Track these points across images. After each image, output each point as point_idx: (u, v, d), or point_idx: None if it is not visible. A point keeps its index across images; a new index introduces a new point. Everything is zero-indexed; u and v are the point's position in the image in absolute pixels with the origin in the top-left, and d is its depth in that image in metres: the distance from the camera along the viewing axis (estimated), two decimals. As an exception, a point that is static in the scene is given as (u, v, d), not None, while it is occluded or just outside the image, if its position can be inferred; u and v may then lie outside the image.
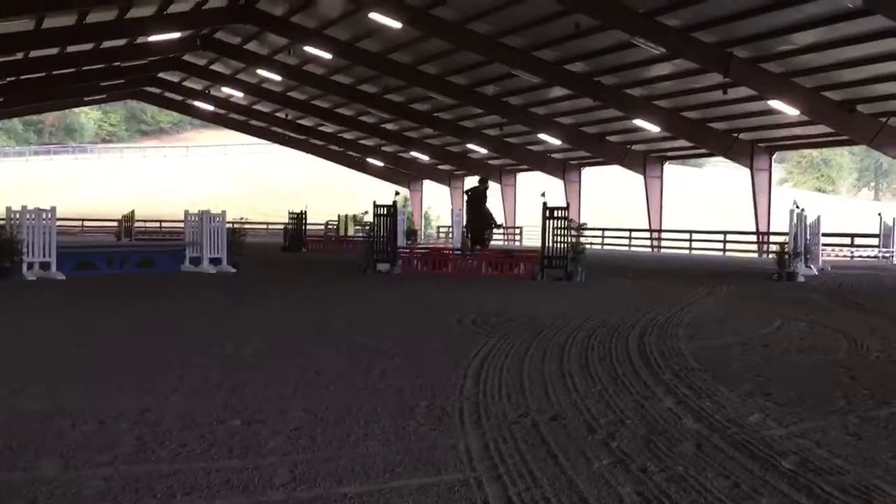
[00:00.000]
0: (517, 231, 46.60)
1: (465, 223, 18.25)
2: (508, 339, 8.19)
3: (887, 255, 24.26)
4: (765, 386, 5.90)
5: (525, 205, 42.68)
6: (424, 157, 49.67)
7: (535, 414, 4.96)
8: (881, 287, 16.56)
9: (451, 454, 4.10)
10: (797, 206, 20.14)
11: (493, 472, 3.82)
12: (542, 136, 38.16)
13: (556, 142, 38.34)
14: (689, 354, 7.31)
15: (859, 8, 19.46)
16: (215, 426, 4.58)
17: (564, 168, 43.44)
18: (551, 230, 17.70)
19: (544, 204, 17.66)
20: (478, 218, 20.24)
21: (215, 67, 41.12)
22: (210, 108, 49.24)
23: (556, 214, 17.79)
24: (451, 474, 3.78)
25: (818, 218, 20.99)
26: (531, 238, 39.79)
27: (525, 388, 5.76)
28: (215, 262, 18.19)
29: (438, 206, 56.53)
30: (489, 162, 47.32)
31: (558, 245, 17.63)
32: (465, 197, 18.32)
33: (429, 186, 55.33)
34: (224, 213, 19.13)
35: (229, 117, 51.51)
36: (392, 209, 19.14)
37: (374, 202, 19.28)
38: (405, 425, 4.66)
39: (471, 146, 44.08)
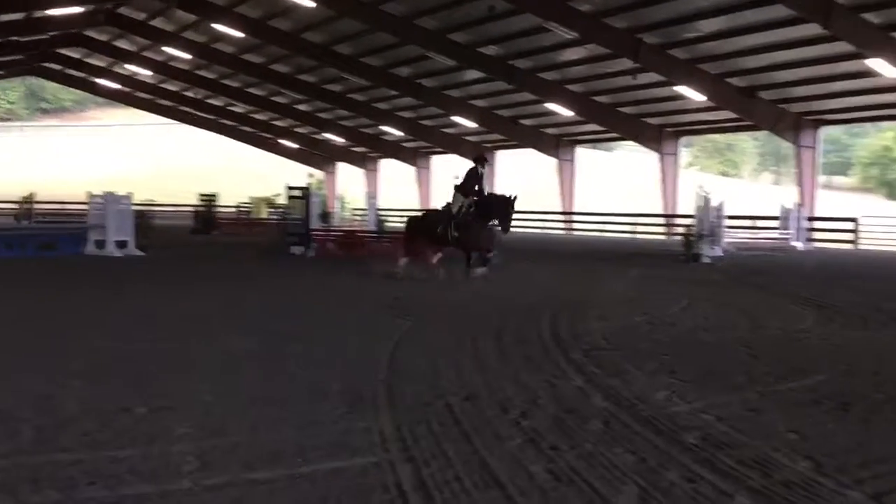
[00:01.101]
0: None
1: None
2: (424, 322, 8.21)
3: (786, 236, 25.26)
4: (671, 364, 6.08)
5: (440, 188, 42.75)
6: (339, 139, 49.17)
7: (450, 395, 4.99)
8: (780, 268, 17.24)
9: (364, 437, 4.09)
10: (703, 190, 20.78)
11: (405, 453, 3.83)
12: (457, 119, 38.25)
13: (470, 125, 38.49)
14: (600, 334, 7.47)
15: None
16: (120, 414, 4.45)
17: (478, 151, 43.61)
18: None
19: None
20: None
21: (120, 44, 39.69)
22: (115, 85, 47.52)
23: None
24: (365, 457, 3.77)
25: (723, 201, 21.67)
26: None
27: (440, 370, 5.78)
28: (121, 245, 17.62)
29: (353, 189, 56.11)
30: (404, 144, 47.18)
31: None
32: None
33: (343, 169, 54.81)
34: (130, 194, 18.53)
35: (135, 96, 49.84)
36: (306, 191, 18.90)
37: (288, 184, 19.01)
38: (318, 410, 4.63)
39: (385, 128, 43.85)
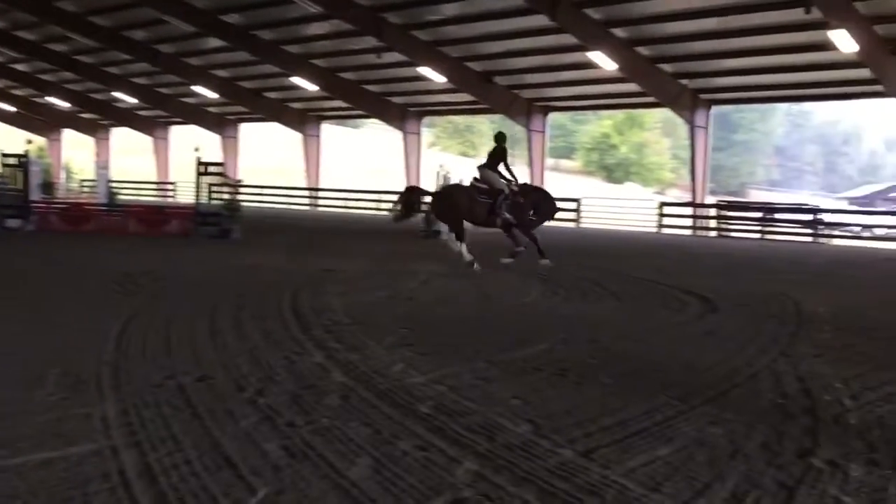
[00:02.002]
0: (171, 187, 44.46)
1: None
2: (157, 299, 7.81)
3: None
4: (408, 337, 6.25)
5: (179, 159, 40.80)
6: (64, 104, 45.25)
7: (182, 375, 4.78)
8: (509, 243, 18.27)
9: (84, 424, 3.81)
10: (443, 169, 21.55)
11: (130, 438, 3.62)
12: (197, 89, 36.62)
13: (212, 95, 37.02)
14: (341, 310, 7.50)
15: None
16: None
17: (221, 123, 42.19)
18: (206, 186, 17.17)
19: (198, 159, 17.04)
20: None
21: None
22: None
23: (210, 170, 17.27)
24: (83, 445, 3.51)
25: (462, 180, 22.59)
26: (186, 194, 38.21)
27: (172, 349, 5.53)
28: None
29: (81, 158, 52.02)
30: (139, 113, 44.45)
31: (213, 202, 17.18)
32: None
33: (70, 136, 50.63)
34: None
35: None
36: (23, 159, 17.24)
37: (2, 151, 17.22)
38: (31, 396, 4.24)
39: (117, 94, 40.95)
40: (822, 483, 3.33)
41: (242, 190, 32.11)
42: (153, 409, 4.09)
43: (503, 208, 12.47)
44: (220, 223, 16.72)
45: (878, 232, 27.30)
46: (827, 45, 20.17)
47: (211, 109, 41.45)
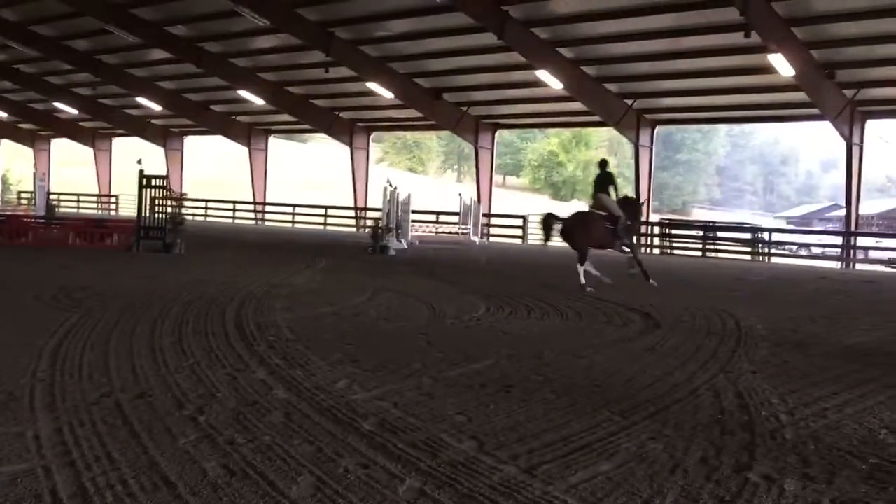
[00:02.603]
0: (113, 200, 43.60)
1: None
2: (95, 314, 7.64)
3: (465, 230, 27.02)
4: (353, 353, 6.21)
5: (122, 172, 40.05)
6: (2, 114, 44.13)
7: (119, 393, 4.68)
8: (458, 260, 18.39)
9: (16, 443, 3.70)
10: (391, 185, 21.55)
11: (65, 458, 3.52)
12: (142, 100, 36.06)
13: (156, 107, 36.49)
14: (285, 325, 7.43)
15: (447, 4, 21.25)
16: None
17: (166, 135, 41.58)
18: (149, 199, 16.90)
19: (141, 172, 16.78)
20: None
21: None
22: None
23: (154, 183, 17.02)
24: (15, 465, 3.41)
25: (409, 196, 22.63)
26: (128, 207, 37.52)
27: (110, 366, 5.41)
28: None
29: (20, 169, 50.74)
30: (81, 124, 43.59)
31: (156, 215, 16.91)
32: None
33: (8, 147, 49.38)
34: None
35: None
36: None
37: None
38: (-40, 415, 4.11)
39: (59, 105, 40.10)
40: (759, 498, 3.39)
41: (187, 203, 31.73)
42: (88, 427, 3.99)
43: (622, 233, 13.10)
44: (163, 237, 16.45)
45: (815, 251, 28.01)
46: (766, 69, 20.72)
47: (155, 121, 40.85)
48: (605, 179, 13.34)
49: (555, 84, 24.25)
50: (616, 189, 13.36)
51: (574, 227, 13.10)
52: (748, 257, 25.27)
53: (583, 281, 12.21)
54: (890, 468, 3.85)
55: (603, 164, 13.72)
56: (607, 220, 13.01)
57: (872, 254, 25.47)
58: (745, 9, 18.32)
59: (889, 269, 23.11)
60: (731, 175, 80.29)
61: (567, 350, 6.80)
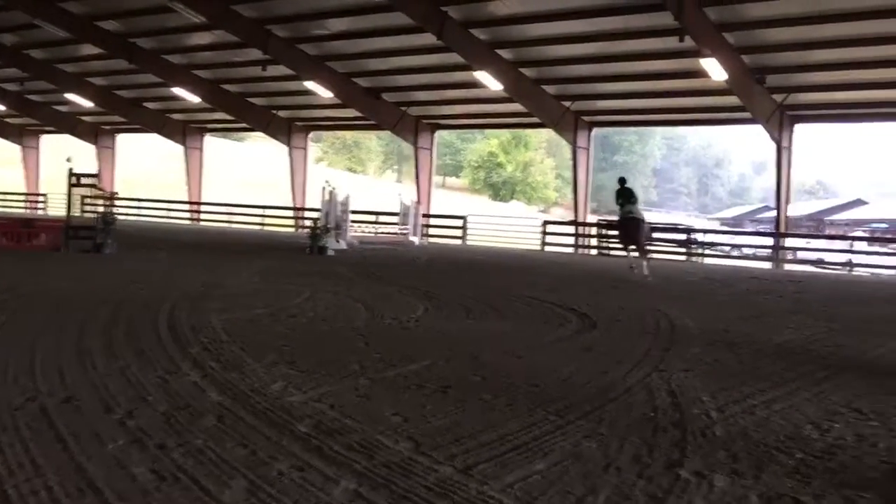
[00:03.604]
0: (41, 199, 42.41)
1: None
2: (20, 316, 7.42)
3: (405, 231, 27.00)
4: (290, 355, 6.15)
5: (51, 170, 39.01)
6: (-77, 109, 42.63)
7: (45, 397, 4.55)
8: (397, 260, 18.37)
9: (-68, 451, 3.56)
10: (329, 185, 21.43)
11: (-14, 466, 3.41)
12: (71, 97, 35.18)
13: (87, 104, 35.62)
14: (220, 327, 7.32)
15: (384, 2, 21.22)
16: None
17: (97, 133, 40.63)
18: (79, 198, 16.50)
19: (70, 170, 16.36)
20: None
21: None
22: None
23: (84, 181, 16.62)
24: (-69, 474, 3.29)
25: (348, 196, 22.52)
26: (58, 207, 36.56)
27: (36, 369, 5.25)
28: None
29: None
30: (7, 121, 42.31)
31: (87, 214, 16.51)
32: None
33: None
34: None
35: None
36: None
37: None
38: None
39: (-17, 101, 38.92)
40: (689, 494, 3.46)
41: (119, 202, 31.06)
42: (12, 432, 3.87)
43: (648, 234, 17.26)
44: (94, 237, 16.06)
45: (746, 251, 28.74)
46: (700, 73, 21.20)
47: (85, 119, 39.90)
48: (631, 192, 16.48)
49: (494, 85, 24.42)
50: (637, 200, 16.62)
51: (631, 226, 16.49)
52: (682, 258, 25.80)
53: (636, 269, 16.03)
54: (814, 463, 3.97)
55: (622, 180, 16.83)
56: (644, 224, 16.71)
57: (801, 254, 26.24)
58: (680, 14, 18.72)
59: (816, 270, 23.86)
60: (666, 177, 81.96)
61: (505, 350, 6.85)
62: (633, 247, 16.73)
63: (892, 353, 7.58)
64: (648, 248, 17.05)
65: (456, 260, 19.91)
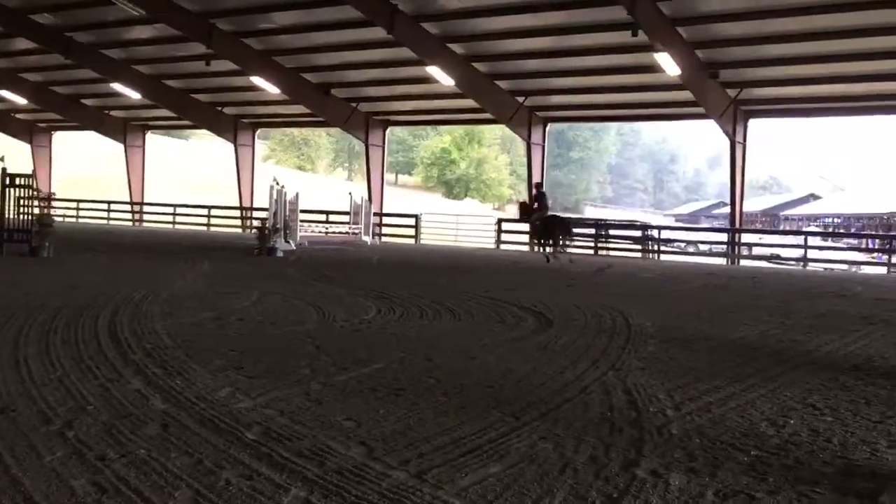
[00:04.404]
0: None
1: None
2: (-49, 325, 7.22)
3: (356, 230, 26.90)
4: (237, 360, 6.09)
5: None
6: None
7: (-22, 409, 4.44)
8: (349, 261, 18.30)
9: None
10: (277, 183, 21.25)
11: (-86, 482, 3.31)
12: (4, 93, 34.36)
13: (20, 100, 34.84)
14: (164, 332, 7.22)
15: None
16: None
17: (32, 131, 39.77)
18: (12, 200, 16.13)
19: (3, 170, 16.00)
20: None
21: None
22: None
23: (18, 182, 16.26)
24: None
25: (297, 195, 22.36)
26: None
27: (-33, 380, 5.13)
28: None
29: None
30: (-66, 118, 41.16)
31: (22, 217, 16.16)
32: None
33: None
34: None
35: None
36: None
37: None
38: None
39: None
40: (645, 493, 3.50)
41: (56, 203, 30.42)
42: (-58, 447, 3.77)
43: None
44: (30, 240, 15.71)
45: (702, 248, 29.21)
46: (653, 68, 21.48)
47: (19, 116, 39.02)
48: (544, 198, 20.88)
49: (446, 80, 24.45)
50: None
51: (556, 224, 20.44)
52: (638, 255, 26.12)
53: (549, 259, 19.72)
54: (770, 459, 4.05)
55: (539, 185, 22.39)
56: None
57: (756, 250, 26.73)
58: (632, 7, 18.94)
59: (770, 265, 24.33)
60: (622, 173, 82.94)
61: (459, 351, 6.87)
62: (551, 241, 20.50)
63: (846, 348, 7.76)
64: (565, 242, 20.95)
65: (409, 259, 19.90)
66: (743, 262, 24.83)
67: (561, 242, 20.58)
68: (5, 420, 4.27)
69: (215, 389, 5.13)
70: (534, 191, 21.60)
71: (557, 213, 20.86)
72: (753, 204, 59.39)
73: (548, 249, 20.52)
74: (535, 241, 22.58)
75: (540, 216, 20.39)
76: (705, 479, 3.71)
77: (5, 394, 4.82)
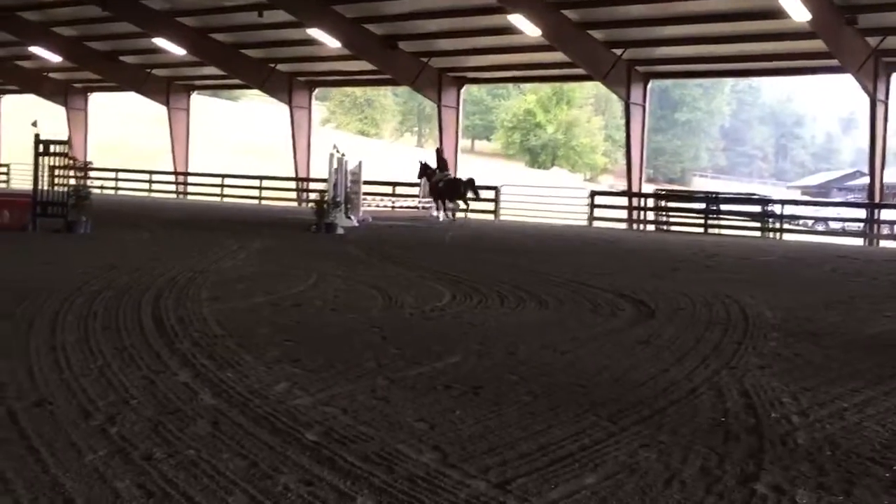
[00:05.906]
0: (3, 170, 42.89)
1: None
2: (-18, 308, 7.54)
3: (427, 205, 27.00)
4: (294, 351, 6.20)
5: (14, 137, 39.41)
6: None
7: (14, 401, 4.63)
8: (418, 240, 18.42)
9: None
10: (337, 151, 21.43)
11: (-53, 480, 3.48)
12: (36, 50, 35.43)
13: (54, 58, 35.87)
14: (213, 319, 7.40)
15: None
16: None
17: (67, 92, 40.93)
18: (47, 169, 16.66)
19: (37, 136, 16.53)
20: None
21: None
22: None
23: (53, 150, 16.78)
24: None
25: (360, 164, 22.54)
26: (22, 179, 36.96)
27: (1, 369, 5.34)
28: None
29: None
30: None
31: (56, 189, 16.68)
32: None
33: None
34: None
35: None
36: None
37: None
38: None
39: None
40: (766, 512, 3.46)
41: (93, 174, 31.32)
42: (-25, 442, 3.95)
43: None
44: (65, 214, 16.23)
45: (833, 226, 28.49)
46: (777, 13, 20.92)
47: (53, 76, 40.18)
48: (441, 160, 26.20)
49: (531, 31, 24.28)
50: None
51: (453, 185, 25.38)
52: (757, 234, 25.61)
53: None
54: (916, 476, 3.95)
55: (440, 150, 27.35)
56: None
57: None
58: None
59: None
60: (737, 138, 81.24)
61: (546, 344, 6.86)
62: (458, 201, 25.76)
63: None
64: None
65: (488, 238, 19.91)
66: (883, 244, 24.12)
67: (466, 204, 26.05)
68: (43, 414, 4.44)
69: (270, 384, 5.24)
70: (437, 154, 27.02)
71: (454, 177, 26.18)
72: (897, 174, 57.52)
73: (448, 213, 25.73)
74: (439, 204, 26.07)
75: (443, 177, 25.56)
76: (838, 497, 3.64)
77: (42, 385, 5.01)
